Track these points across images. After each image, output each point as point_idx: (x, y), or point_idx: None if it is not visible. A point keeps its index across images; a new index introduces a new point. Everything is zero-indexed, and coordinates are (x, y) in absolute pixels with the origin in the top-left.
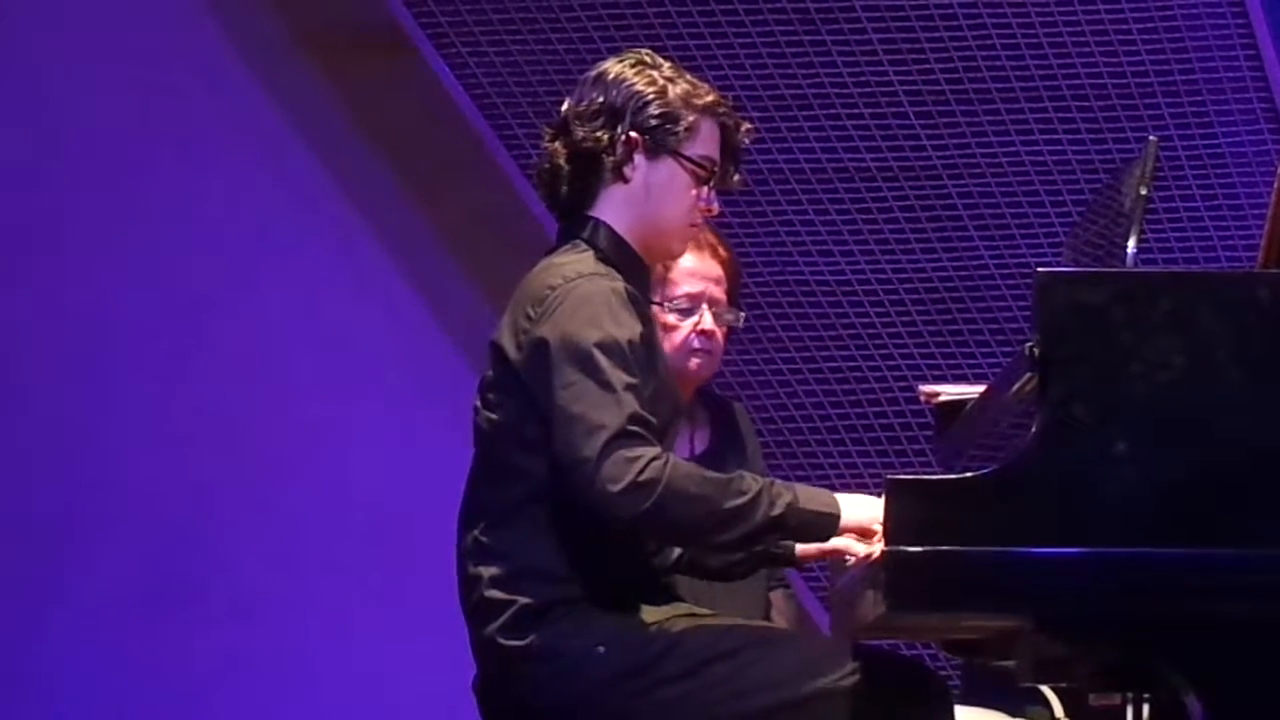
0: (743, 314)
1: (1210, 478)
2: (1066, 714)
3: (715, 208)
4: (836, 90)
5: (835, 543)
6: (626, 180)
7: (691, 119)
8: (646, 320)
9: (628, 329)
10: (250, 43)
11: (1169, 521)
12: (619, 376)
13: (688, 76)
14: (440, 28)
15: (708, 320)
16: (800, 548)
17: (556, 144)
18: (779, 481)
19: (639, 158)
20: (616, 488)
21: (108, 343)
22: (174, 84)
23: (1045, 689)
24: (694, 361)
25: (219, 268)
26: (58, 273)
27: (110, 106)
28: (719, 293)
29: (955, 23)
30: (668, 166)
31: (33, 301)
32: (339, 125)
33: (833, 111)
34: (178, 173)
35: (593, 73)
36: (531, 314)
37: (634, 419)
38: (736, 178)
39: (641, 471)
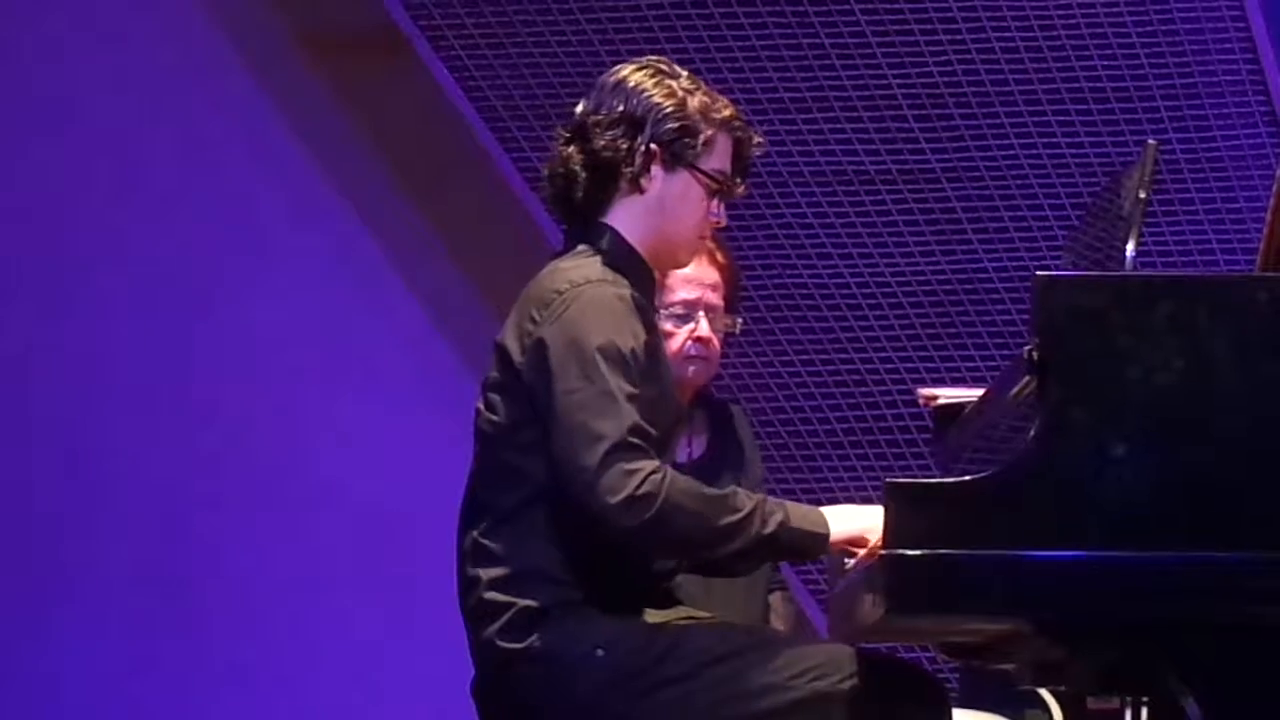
0: (740, 319)
1: (1208, 481)
2: (1065, 717)
3: (723, 219)
4: (836, 94)
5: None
6: (642, 191)
7: (709, 133)
8: (652, 328)
9: (633, 336)
10: (249, 44)
11: (1167, 525)
12: (621, 385)
13: (705, 88)
14: (438, 30)
15: (704, 327)
16: None
17: (571, 149)
18: (771, 499)
19: (656, 169)
20: (615, 499)
21: (107, 342)
22: (172, 85)
23: (1044, 692)
24: (690, 368)
25: (217, 268)
26: (57, 272)
27: (109, 106)
28: (715, 299)
29: (954, 26)
30: (683, 179)
31: (32, 300)
32: (337, 127)
33: (832, 115)
34: (176, 174)
35: (611, 79)
36: (537, 317)
37: (634, 430)
38: (742, 188)
39: (640, 485)
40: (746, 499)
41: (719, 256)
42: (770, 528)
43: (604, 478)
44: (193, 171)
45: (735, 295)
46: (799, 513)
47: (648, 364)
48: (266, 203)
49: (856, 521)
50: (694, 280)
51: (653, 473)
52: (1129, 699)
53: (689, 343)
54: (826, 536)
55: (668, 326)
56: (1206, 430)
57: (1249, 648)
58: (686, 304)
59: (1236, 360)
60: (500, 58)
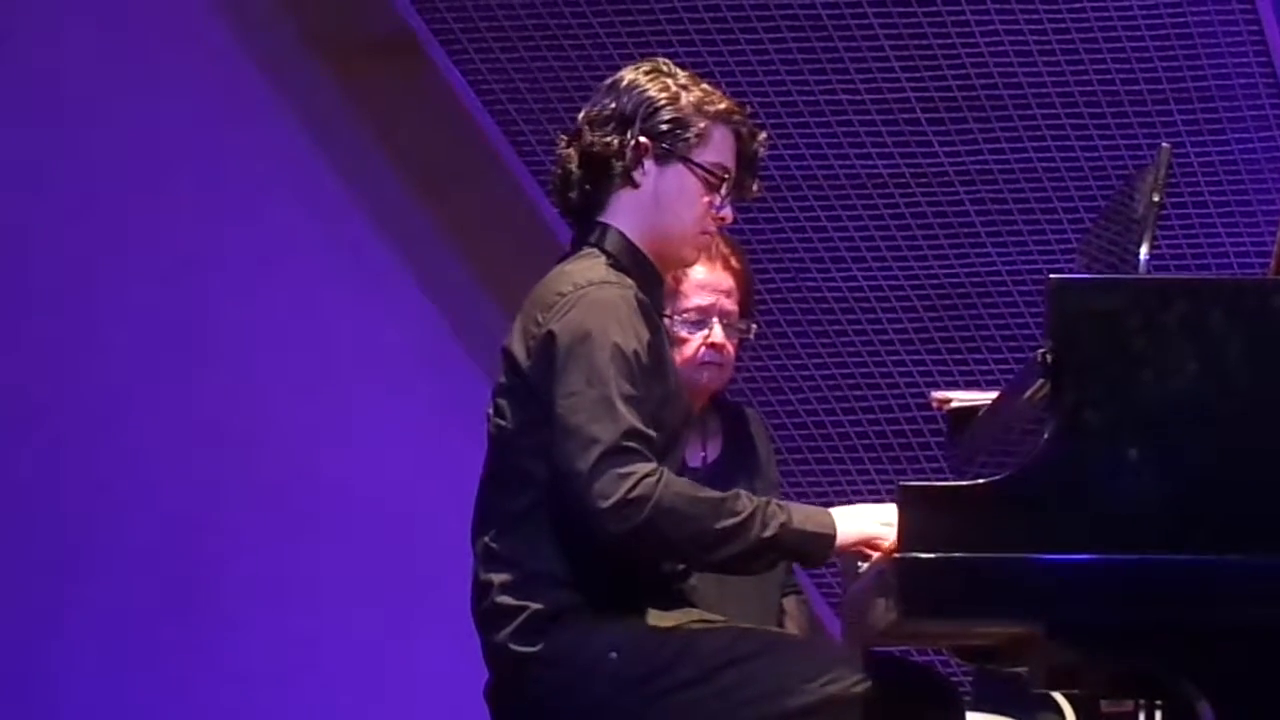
0: (755, 325)
1: (1222, 484)
2: None
3: (729, 215)
4: (849, 96)
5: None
6: (636, 186)
7: (703, 125)
8: (656, 328)
9: (635, 337)
10: (261, 47)
11: (1181, 528)
12: (621, 387)
13: (703, 84)
14: (452, 32)
15: (718, 333)
16: None
17: (570, 150)
18: (775, 501)
19: (649, 163)
20: (606, 503)
21: (114, 343)
22: (183, 87)
23: (1057, 695)
24: (704, 374)
25: (228, 271)
26: (65, 274)
27: (118, 109)
28: (730, 305)
29: (968, 28)
30: (677, 173)
31: (39, 302)
32: (350, 129)
33: (845, 117)
34: (187, 176)
35: (608, 81)
36: (540, 319)
37: (630, 434)
38: (755, 187)
39: (633, 489)
40: (748, 501)
41: (734, 262)
42: (771, 530)
43: (596, 482)
44: (203, 174)
45: (750, 300)
46: (803, 514)
47: (652, 364)
48: (276, 204)
49: (868, 521)
50: (708, 286)
51: (646, 475)
52: (1143, 702)
53: (703, 349)
54: (832, 538)
55: (681, 332)
56: (1220, 433)
57: (1263, 651)
58: (701, 310)
59: (1250, 363)
60: (513, 60)
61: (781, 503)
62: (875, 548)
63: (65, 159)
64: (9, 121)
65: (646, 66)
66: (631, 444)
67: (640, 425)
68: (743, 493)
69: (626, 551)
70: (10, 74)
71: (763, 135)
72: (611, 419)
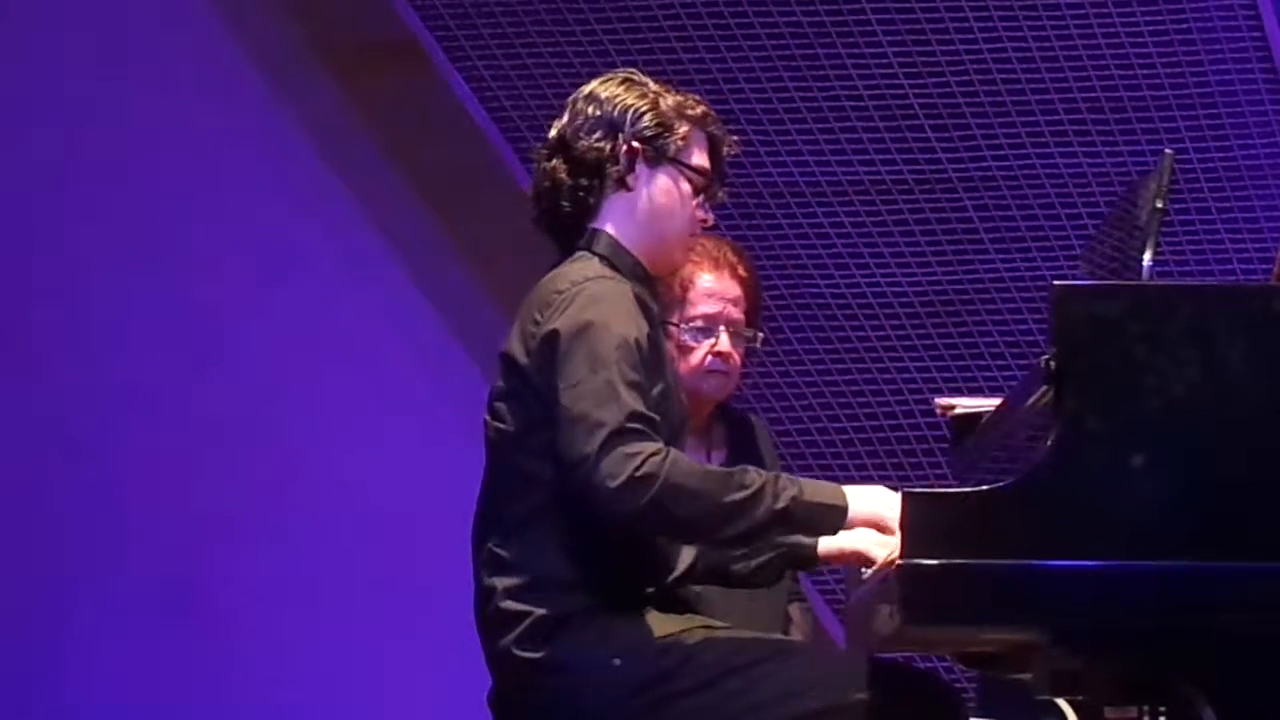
0: (761, 334)
1: (1225, 491)
2: None
3: (710, 218)
4: (851, 103)
5: (856, 546)
6: (629, 189)
7: (686, 129)
8: (654, 324)
9: (635, 328)
10: (265, 54)
11: (1184, 535)
12: (624, 373)
13: (675, 91)
14: (455, 39)
15: (724, 342)
16: (822, 548)
17: (554, 162)
18: (785, 475)
19: (641, 167)
20: (615, 483)
21: (123, 351)
22: (188, 94)
23: (1061, 702)
24: (710, 383)
25: (233, 277)
26: (66, 275)
27: (124, 115)
28: (737, 314)
29: (970, 35)
30: (669, 175)
31: (39, 303)
32: (353, 136)
33: (848, 124)
34: (193, 183)
35: (581, 93)
36: (539, 318)
37: (634, 416)
38: (721, 192)
39: (640, 467)
40: (757, 475)
41: (741, 270)
42: (782, 502)
43: (603, 463)
44: (208, 181)
45: (757, 309)
46: (814, 487)
47: (651, 357)
48: (281, 211)
49: (880, 503)
50: (716, 294)
51: (653, 454)
52: (1146, 708)
53: (709, 357)
54: (844, 510)
55: (688, 340)
56: (1222, 440)
57: (1267, 657)
58: (708, 318)
59: (1253, 370)
60: (516, 66)
61: (791, 477)
62: (884, 529)
63: (65, 159)
64: (11, 121)
65: (617, 78)
66: (636, 425)
67: (644, 409)
68: (750, 468)
69: (637, 531)
70: (10, 74)
71: (733, 139)
72: (616, 403)
